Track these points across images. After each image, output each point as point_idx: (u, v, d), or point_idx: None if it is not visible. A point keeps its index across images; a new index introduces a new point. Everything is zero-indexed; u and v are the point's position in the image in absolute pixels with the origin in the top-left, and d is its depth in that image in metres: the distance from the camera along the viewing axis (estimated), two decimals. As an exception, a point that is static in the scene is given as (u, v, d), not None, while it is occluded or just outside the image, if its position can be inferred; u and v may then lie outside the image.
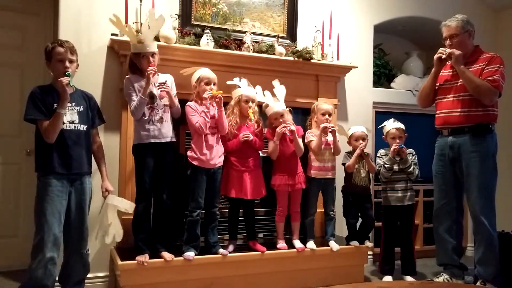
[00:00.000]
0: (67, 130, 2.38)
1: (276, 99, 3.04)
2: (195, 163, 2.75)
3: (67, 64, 2.36)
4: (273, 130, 3.01)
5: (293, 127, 2.95)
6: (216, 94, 2.70)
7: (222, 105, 2.76)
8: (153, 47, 2.65)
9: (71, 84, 2.32)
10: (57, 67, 2.37)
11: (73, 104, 2.43)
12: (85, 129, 2.46)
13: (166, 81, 2.68)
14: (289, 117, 3.05)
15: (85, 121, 2.47)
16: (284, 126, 2.92)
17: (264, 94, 3.04)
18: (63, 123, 2.36)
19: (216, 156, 2.78)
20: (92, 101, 2.57)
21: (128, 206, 2.60)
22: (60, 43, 2.38)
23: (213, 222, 2.86)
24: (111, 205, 2.53)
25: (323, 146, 3.10)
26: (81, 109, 2.47)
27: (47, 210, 2.32)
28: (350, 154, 3.23)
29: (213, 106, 2.75)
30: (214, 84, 2.79)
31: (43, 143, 2.34)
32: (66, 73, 2.33)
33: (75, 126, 2.42)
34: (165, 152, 2.69)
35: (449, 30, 2.99)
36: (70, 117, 2.40)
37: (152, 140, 2.63)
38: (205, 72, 2.81)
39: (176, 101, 2.73)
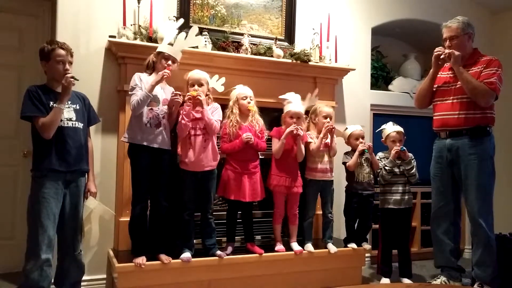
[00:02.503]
0: (65, 127, 2.40)
1: (301, 102, 3.07)
2: (181, 166, 2.76)
3: (67, 66, 2.40)
4: (283, 128, 3.02)
5: (302, 132, 2.95)
6: (193, 94, 2.68)
7: (203, 104, 2.69)
8: (177, 54, 2.71)
9: (77, 79, 2.36)
10: (57, 68, 2.39)
11: (69, 102, 2.45)
12: (82, 127, 2.48)
13: (181, 94, 2.69)
14: (303, 124, 3.06)
15: (81, 119, 2.49)
16: (296, 129, 2.92)
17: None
18: (61, 120, 2.38)
19: (205, 159, 2.74)
20: (86, 101, 2.59)
21: (107, 213, 2.65)
22: (60, 45, 2.41)
23: (208, 227, 2.84)
24: (91, 209, 2.55)
25: (321, 148, 3.11)
26: (78, 107, 2.49)
27: (42, 212, 2.31)
28: (349, 154, 3.24)
29: (191, 107, 2.71)
30: (199, 85, 2.76)
31: (42, 141, 2.34)
32: (67, 74, 2.36)
33: (73, 124, 2.44)
34: (160, 157, 2.67)
35: (449, 31, 3.00)
36: (67, 114, 2.42)
37: (145, 143, 2.61)
38: (191, 73, 2.81)
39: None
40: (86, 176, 2.56)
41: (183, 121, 2.68)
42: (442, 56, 2.95)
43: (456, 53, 2.89)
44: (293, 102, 3.05)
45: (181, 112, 2.72)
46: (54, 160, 2.34)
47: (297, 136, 2.95)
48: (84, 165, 2.50)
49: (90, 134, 2.65)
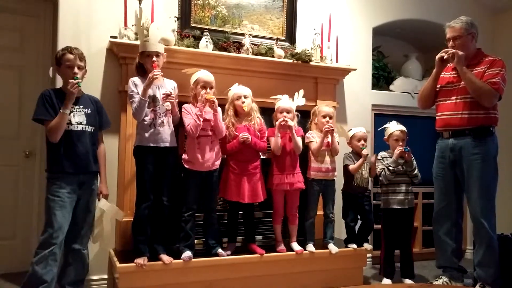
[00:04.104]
0: (75, 131, 2.47)
1: (291, 100, 3.08)
2: (186, 165, 2.76)
3: (76, 70, 2.46)
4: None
5: (292, 123, 2.94)
6: (210, 98, 2.69)
7: (217, 108, 2.74)
8: (158, 47, 2.68)
9: (79, 85, 2.41)
10: (66, 72, 2.47)
11: (81, 106, 2.53)
12: (92, 130, 2.55)
13: (171, 93, 2.68)
14: (294, 119, 3.05)
15: (92, 123, 2.56)
16: (284, 119, 2.92)
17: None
18: (72, 123, 2.46)
19: (210, 159, 2.76)
20: (98, 104, 2.66)
21: (118, 214, 2.72)
22: (69, 50, 2.49)
23: (212, 225, 2.86)
24: (103, 210, 2.64)
25: (322, 147, 3.10)
26: (89, 111, 2.55)
27: (57, 211, 2.41)
28: (350, 155, 3.23)
29: (203, 108, 2.72)
30: (210, 88, 2.78)
31: (52, 143, 2.43)
32: (74, 77, 2.42)
33: (83, 127, 2.50)
34: (166, 156, 2.68)
35: (453, 31, 2.99)
36: (78, 118, 2.49)
37: (152, 144, 2.63)
38: (202, 74, 2.81)
39: (177, 109, 2.74)
40: (99, 177, 2.63)
41: (197, 121, 2.68)
42: (445, 57, 2.94)
43: (460, 53, 2.88)
44: (282, 99, 3.05)
45: (186, 110, 2.74)
46: (63, 163, 2.43)
47: (288, 128, 2.94)
48: (93, 167, 2.56)
49: (102, 137, 2.70)
